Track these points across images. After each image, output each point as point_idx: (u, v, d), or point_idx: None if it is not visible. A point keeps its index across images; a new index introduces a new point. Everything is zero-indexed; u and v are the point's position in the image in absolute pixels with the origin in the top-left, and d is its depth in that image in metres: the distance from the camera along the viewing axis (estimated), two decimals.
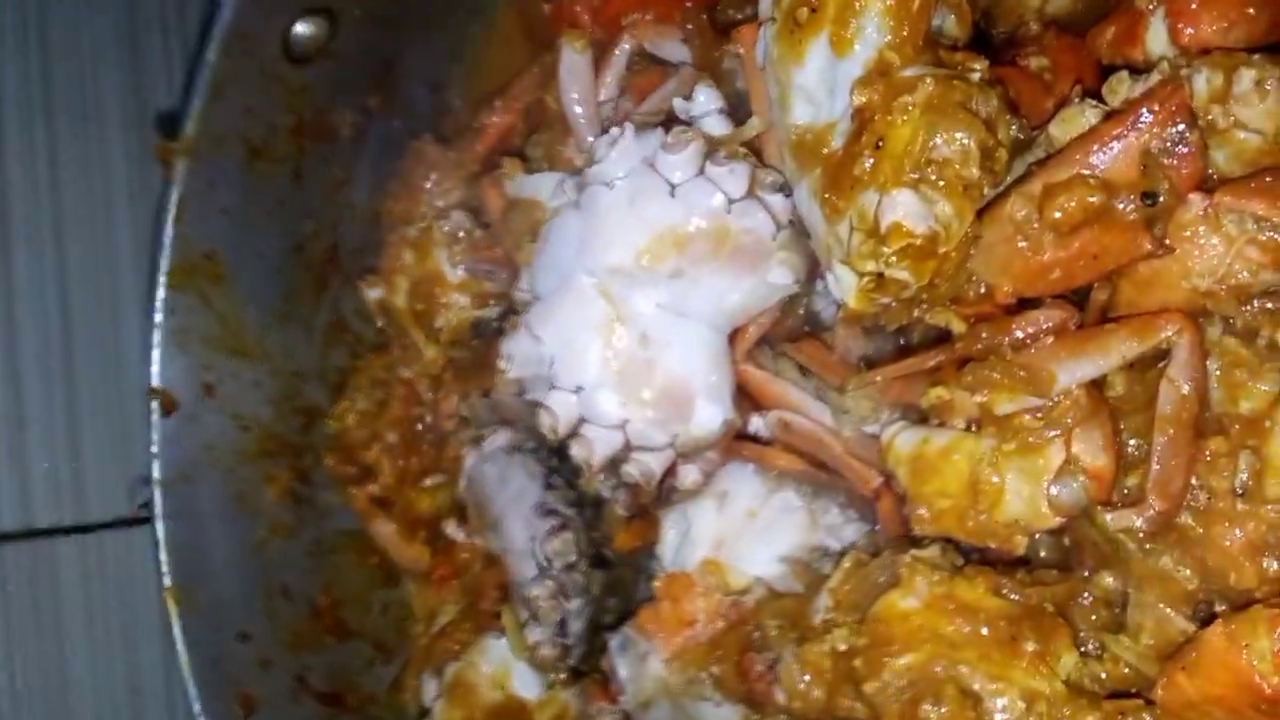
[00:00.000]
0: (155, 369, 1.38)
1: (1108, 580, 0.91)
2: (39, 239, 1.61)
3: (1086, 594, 0.93)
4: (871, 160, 0.89)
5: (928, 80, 0.86)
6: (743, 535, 1.17)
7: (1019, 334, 0.92)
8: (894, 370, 1.01)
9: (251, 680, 1.41)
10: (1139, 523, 0.85)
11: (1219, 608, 0.86)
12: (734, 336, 1.18)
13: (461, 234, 1.38)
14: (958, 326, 0.96)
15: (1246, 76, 0.83)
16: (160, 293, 1.38)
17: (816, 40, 0.95)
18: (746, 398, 1.21)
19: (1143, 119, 0.84)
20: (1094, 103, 0.91)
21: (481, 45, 1.61)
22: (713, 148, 1.10)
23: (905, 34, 0.90)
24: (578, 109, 1.21)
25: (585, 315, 1.12)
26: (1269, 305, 0.87)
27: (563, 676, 1.34)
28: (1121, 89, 0.90)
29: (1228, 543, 0.82)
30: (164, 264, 1.36)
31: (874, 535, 1.16)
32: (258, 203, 1.46)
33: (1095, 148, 0.86)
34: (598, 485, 1.34)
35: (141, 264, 1.55)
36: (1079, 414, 0.89)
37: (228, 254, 1.44)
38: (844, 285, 0.95)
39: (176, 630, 1.34)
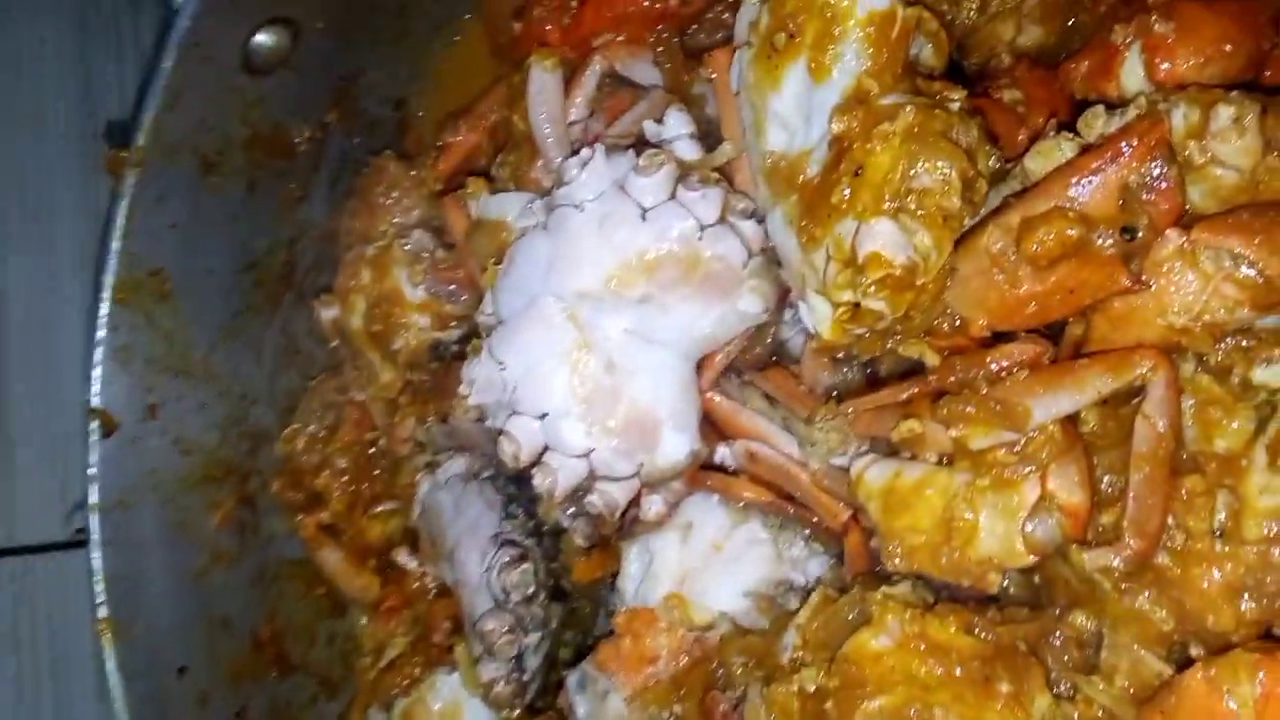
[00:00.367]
0: (96, 388, 1.33)
1: (1081, 620, 0.89)
2: None
3: (1058, 633, 0.91)
4: (849, 189, 0.87)
5: (908, 109, 0.85)
6: (707, 569, 1.14)
7: (994, 367, 0.90)
8: (865, 402, 0.99)
9: (188, 716, 1.35)
10: (1116, 562, 0.83)
11: (1194, 649, 0.84)
12: (701, 364, 1.16)
13: (423, 253, 1.35)
14: (931, 359, 0.94)
15: (1224, 113, 0.83)
16: (104, 309, 1.33)
17: (794, 66, 0.93)
18: (712, 427, 1.19)
19: (1122, 153, 0.83)
20: (1069, 135, 0.91)
21: (446, 63, 1.58)
22: (684, 172, 1.08)
23: (884, 61, 0.88)
24: (546, 129, 1.18)
25: (551, 340, 1.09)
26: (1242, 343, 0.86)
27: (517, 714, 1.29)
28: (1097, 123, 0.90)
29: (1205, 584, 0.81)
30: (108, 279, 1.31)
31: (839, 570, 1.14)
32: (209, 218, 1.41)
33: (1074, 181, 0.85)
34: (557, 515, 1.31)
35: (85, 279, 1.50)
36: (1054, 449, 0.88)
37: (175, 270, 1.39)
38: (818, 315, 0.93)
39: (110, 663, 1.27)
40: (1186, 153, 0.85)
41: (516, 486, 1.36)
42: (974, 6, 0.96)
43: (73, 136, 1.55)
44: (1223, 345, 0.87)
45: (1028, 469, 0.88)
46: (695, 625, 1.10)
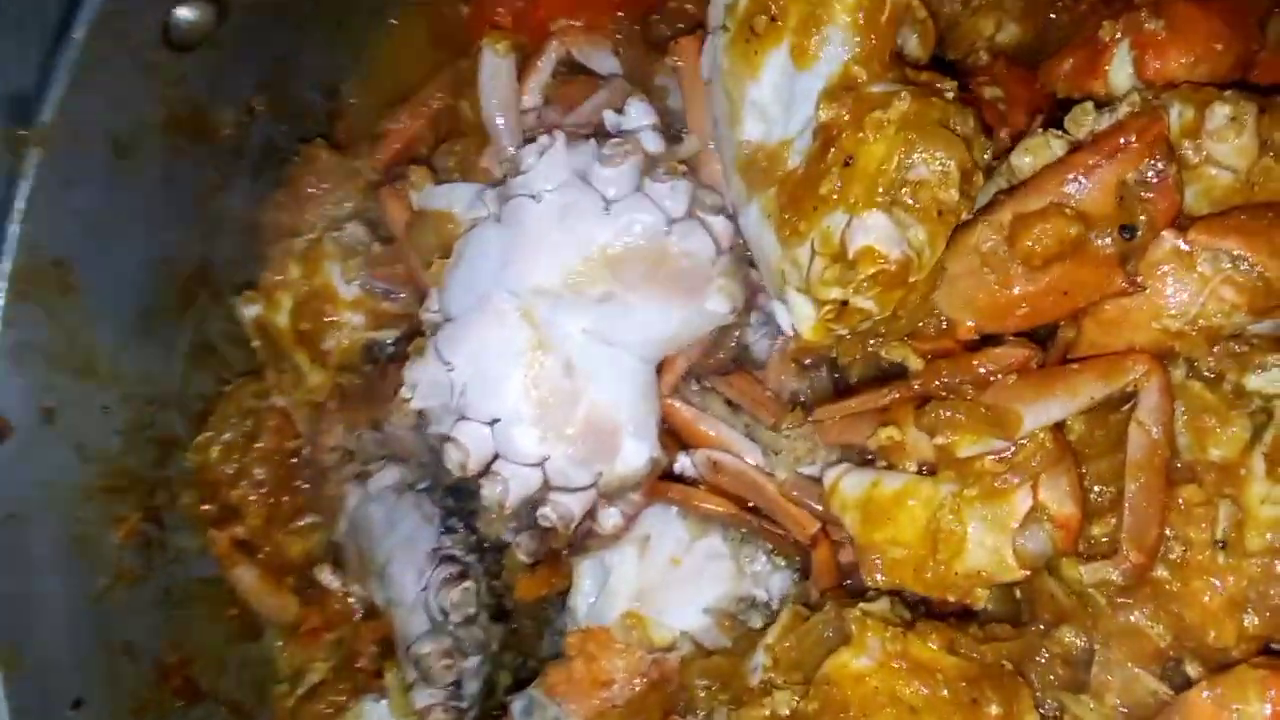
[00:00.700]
0: None
1: (1069, 636, 0.85)
2: None
3: (1044, 651, 0.87)
4: (840, 180, 0.82)
5: (903, 95, 0.80)
6: (666, 585, 1.08)
7: (981, 371, 0.86)
8: (840, 409, 0.94)
9: None
10: (1115, 575, 0.79)
11: (1190, 667, 0.81)
12: (660, 368, 1.09)
13: (358, 247, 1.26)
14: (915, 363, 0.90)
15: (1221, 112, 0.81)
16: None
17: (775, 51, 0.88)
18: (671, 435, 1.12)
19: (1120, 149, 0.80)
20: (1058, 133, 0.88)
21: (383, 49, 1.50)
22: (651, 163, 1.02)
23: (872, 48, 0.84)
24: (499, 116, 1.11)
25: (505, 340, 1.01)
26: (1235, 349, 0.83)
27: None
28: (1087, 120, 0.86)
29: (1207, 598, 0.78)
30: (5, 269, 1.19)
31: (804, 586, 1.09)
32: (119, 206, 1.31)
33: (1070, 178, 0.81)
34: (500, 530, 1.23)
35: None
36: (1045, 459, 0.84)
37: (80, 262, 1.28)
38: (799, 315, 0.88)
39: None
40: (1181, 152, 0.82)
41: (455, 499, 1.27)
42: (952, 8, 0.92)
43: None
44: (1215, 351, 0.84)
45: (1018, 479, 0.84)
46: (654, 645, 1.04)
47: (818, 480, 1.03)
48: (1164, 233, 0.82)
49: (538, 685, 1.11)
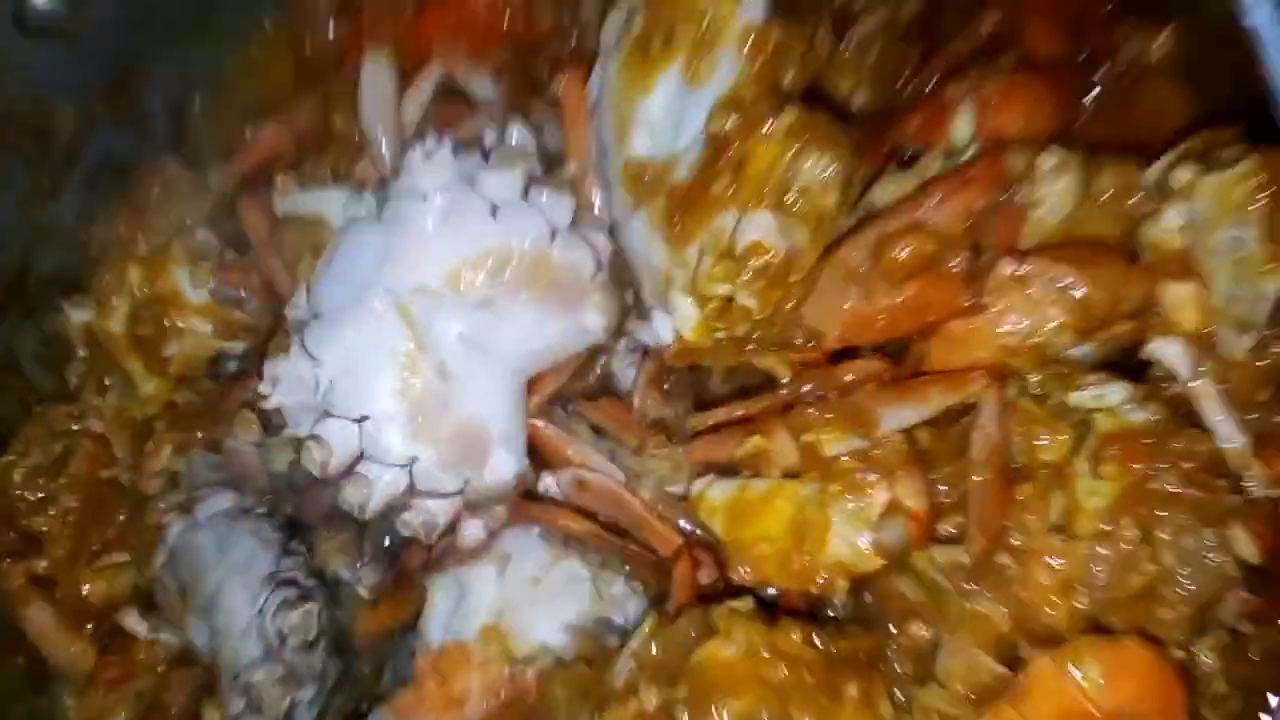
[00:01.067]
0: None
1: (916, 629, 0.91)
2: None
3: (894, 646, 0.92)
4: (731, 184, 0.88)
5: (790, 108, 0.88)
6: (526, 603, 1.07)
7: (845, 380, 0.93)
8: (715, 415, 0.98)
9: None
10: (964, 558, 0.86)
11: (1024, 650, 0.88)
12: (530, 387, 1.10)
13: (209, 254, 1.21)
14: (784, 372, 0.96)
15: (1049, 160, 0.93)
16: None
17: (668, 70, 0.95)
18: (535, 456, 1.13)
19: (971, 181, 0.91)
20: (908, 172, 0.98)
21: (236, 76, 1.47)
22: (534, 178, 1.06)
23: (758, 72, 0.92)
24: (379, 123, 1.12)
25: (379, 337, 1.00)
26: (1061, 371, 0.94)
27: None
28: (935, 165, 0.98)
29: (1044, 579, 0.86)
30: None
31: (659, 611, 1.10)
32: None
33: (927, 204, 0.91)
34: (340, 563, 1.18)
35: None
36: (899, 459, 0.91)
37: None
38: (681, 316, 0.92)
39: None
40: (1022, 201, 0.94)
41: (293, 530, 1.21)
42: (824, 53, 1.02)
43: None
44: (1044, 372, 0.94)
45: (876, 476, 0.90)
46: (515, 657, 1.01)
47: (681, 499, 1.06)
48: (1003, 260, 0.92)
49: (385, 709, 1.06)
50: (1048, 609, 0.86)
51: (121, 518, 1.29)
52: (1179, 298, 0.92)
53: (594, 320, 1.06)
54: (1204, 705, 0.85)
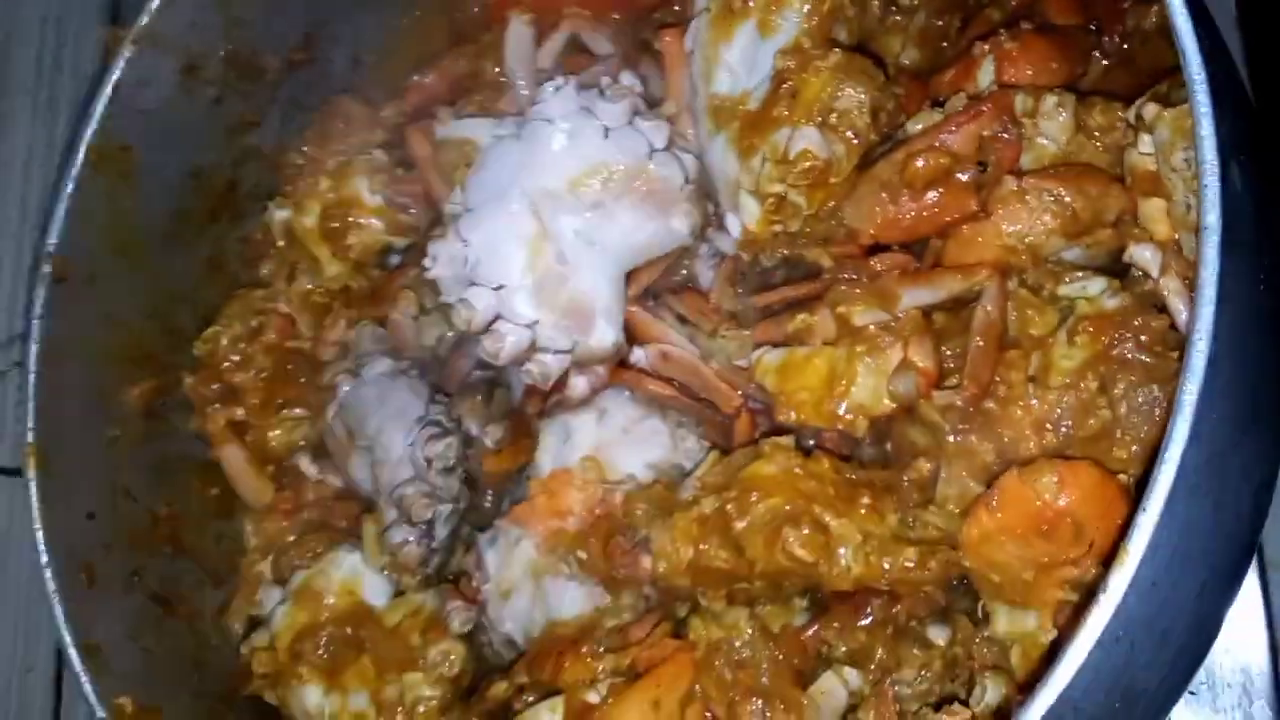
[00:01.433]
0: (54, 237, 1.41)
1: (922, 465, 1.15)
2: None
3: (905, 479, 1.17)
4: (786, 108, 1.15)
5: (837, 51, 1.15)
6: (617, 444, 1.34)
7: (876, 268, 1.18)
8: (771, 296, 1.25)
9: (94, 555, 1.40)
10: (958, 401, 1.10)
11: None
12: (629, 279, 1.39)
13: (382, 169, 1.53)
14: (827, 261, 1.21)
15: (1050, 100, 1.17)
16: (76, 168, 1.43)
17: (746, 23, 1.22)
18: (630, 336, 1.41)
19: (980, 112, 1.15)
20: (938, 110, 1.23)
21: (402, 35, 1.77)
22: (638, 112, 1.34)
23: (816, 26, 1.19)
24: (520, 69, 1.42)
25: (514, 227, 1.30)
26: (1052, 268, 1.17)
27: (417, 581, 1.41)
28: (958, 104, 1.22)
29: (1021, 416, 1.09)
30: (88, 137, 1.42)
31: (720, 450, 1.36)
32: (175, 116, 1.54)
33: (945, 128, 1.16)
34: (469, 421, 1.47)
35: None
36: (914, 329, 1.16)
37: (139, 154, 1.50)
38: (748, 210, 1.19)
39: (32, 487, 1.32)
40: (1022, 128, 1.18)
41: (436, 392, 1.52)
42: (876, 16, 1.28)
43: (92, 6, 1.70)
44: (1039, 269, 1.17)
45: (894, 340, 1.15)
46: (608, 480, 1.29)
47: (743, 369, 1.33)
48: (1006, 177, 1.16)
49: (504, 518, 1.35)
50: (1024, 445, 1.09)
51: (302, 380, 1.58)
52: (1152, 211, 1.14)
53: (681, 224, 1.34)
54: None
